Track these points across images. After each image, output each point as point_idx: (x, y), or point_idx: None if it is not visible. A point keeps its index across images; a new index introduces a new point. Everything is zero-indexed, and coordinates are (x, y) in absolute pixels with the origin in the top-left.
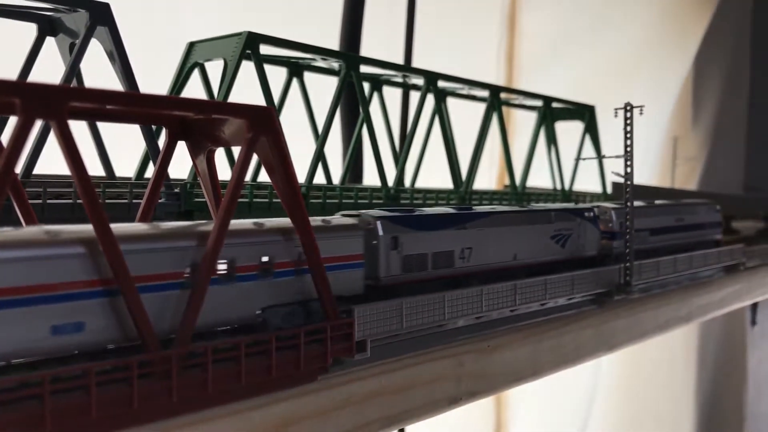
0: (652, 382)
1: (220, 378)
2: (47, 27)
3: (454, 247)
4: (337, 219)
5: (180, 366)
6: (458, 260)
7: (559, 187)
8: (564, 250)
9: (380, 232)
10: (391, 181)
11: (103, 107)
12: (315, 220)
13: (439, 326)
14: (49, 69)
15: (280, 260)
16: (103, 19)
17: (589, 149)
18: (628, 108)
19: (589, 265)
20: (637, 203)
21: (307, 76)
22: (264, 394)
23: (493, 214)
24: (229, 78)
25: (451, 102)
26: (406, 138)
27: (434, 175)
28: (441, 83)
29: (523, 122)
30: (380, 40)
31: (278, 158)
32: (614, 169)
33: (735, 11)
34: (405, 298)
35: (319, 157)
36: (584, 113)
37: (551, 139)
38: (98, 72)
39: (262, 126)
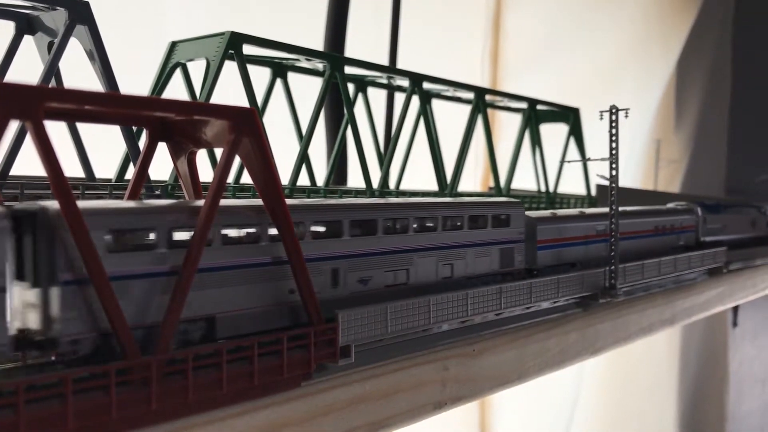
0: (635, 383)
1: (200, 385)
2: (25, 25)
3: (720, 225)
4: (679, 206)
5: (160, 373)
6: (719, 234)
7: (543, 189)
8: (753, 230)
9: (700, 213)
10: (375, 183)
11: (81, 108)
12: (670, 205)
13: (424, 330)
14: (28, 67)
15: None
16: (82, 18)
17: (573, 151)
18: (614, 111)
19: (764, 242)
20: None
21: (292, 76)
22: (246, 401)
23: (731, 206)
24: (211, 78)
25: (436, 103)
26: (391, 140)
27: (419, 177)
28: (426, 85)
29: (508, 124)
30: (365, 41)
31: (260, 160)
32: (599, 171)
33: (717, 15)
34: (389, 303)
35: (303, 158)
36: (569, 116)
37: (536, 142)
38: (78, 71)
39: (245, 127)
